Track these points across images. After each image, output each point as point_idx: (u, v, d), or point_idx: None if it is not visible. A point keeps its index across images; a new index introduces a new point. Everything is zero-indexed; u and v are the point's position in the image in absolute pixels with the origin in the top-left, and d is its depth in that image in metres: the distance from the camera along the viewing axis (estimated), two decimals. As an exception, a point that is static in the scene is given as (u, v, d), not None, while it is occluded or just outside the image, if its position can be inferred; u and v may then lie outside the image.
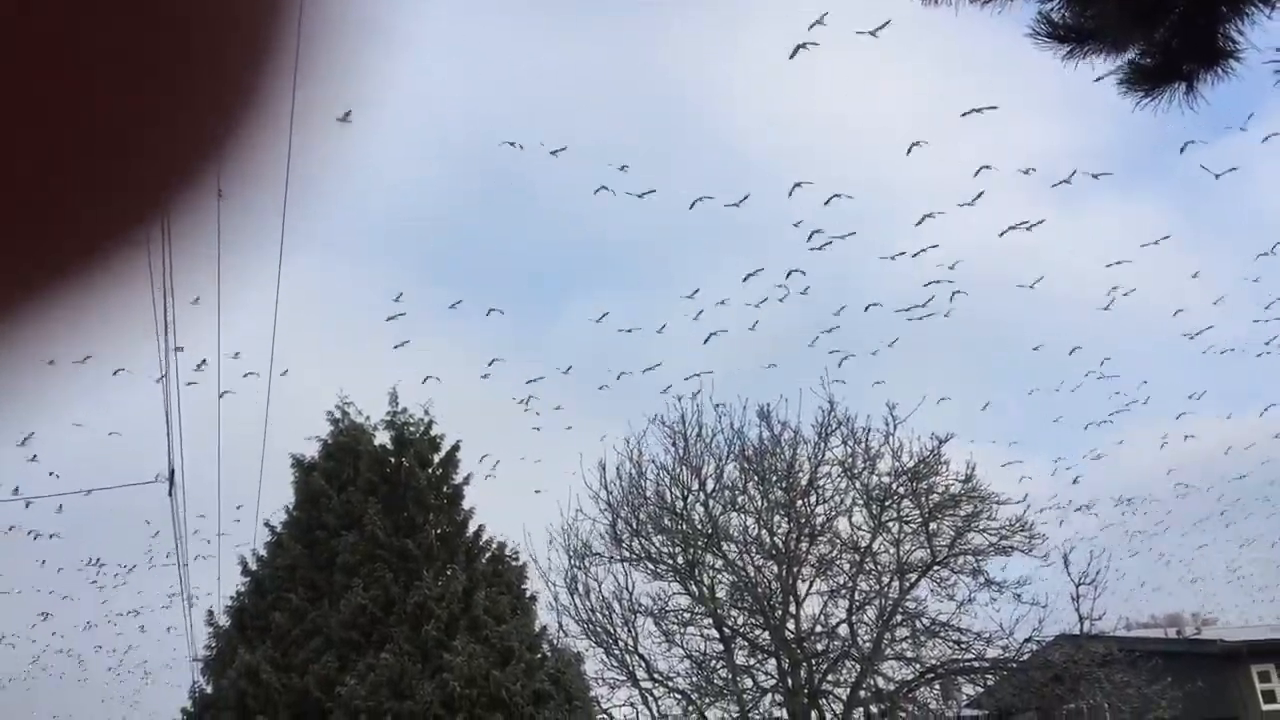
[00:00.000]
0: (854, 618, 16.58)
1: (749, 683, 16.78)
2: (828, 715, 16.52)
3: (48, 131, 0.60)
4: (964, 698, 18.90)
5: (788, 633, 16.65)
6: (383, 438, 23.67)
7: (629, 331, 21.35)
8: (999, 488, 17.11)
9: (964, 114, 16.54)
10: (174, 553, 22.10)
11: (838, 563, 17.11)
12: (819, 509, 17.16)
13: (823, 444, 17.33)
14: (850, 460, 17.27)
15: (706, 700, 16.69)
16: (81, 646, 35.37)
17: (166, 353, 12.76)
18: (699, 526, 17.09)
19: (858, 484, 17.19)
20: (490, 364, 23.14)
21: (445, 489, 23.68)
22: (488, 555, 23.44)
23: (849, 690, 16.44)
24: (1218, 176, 16.59)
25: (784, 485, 17.23)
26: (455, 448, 23.90)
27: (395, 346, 23.36)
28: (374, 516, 21.84)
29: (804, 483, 17.18)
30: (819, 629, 16.91)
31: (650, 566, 17.24)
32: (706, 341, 20.07)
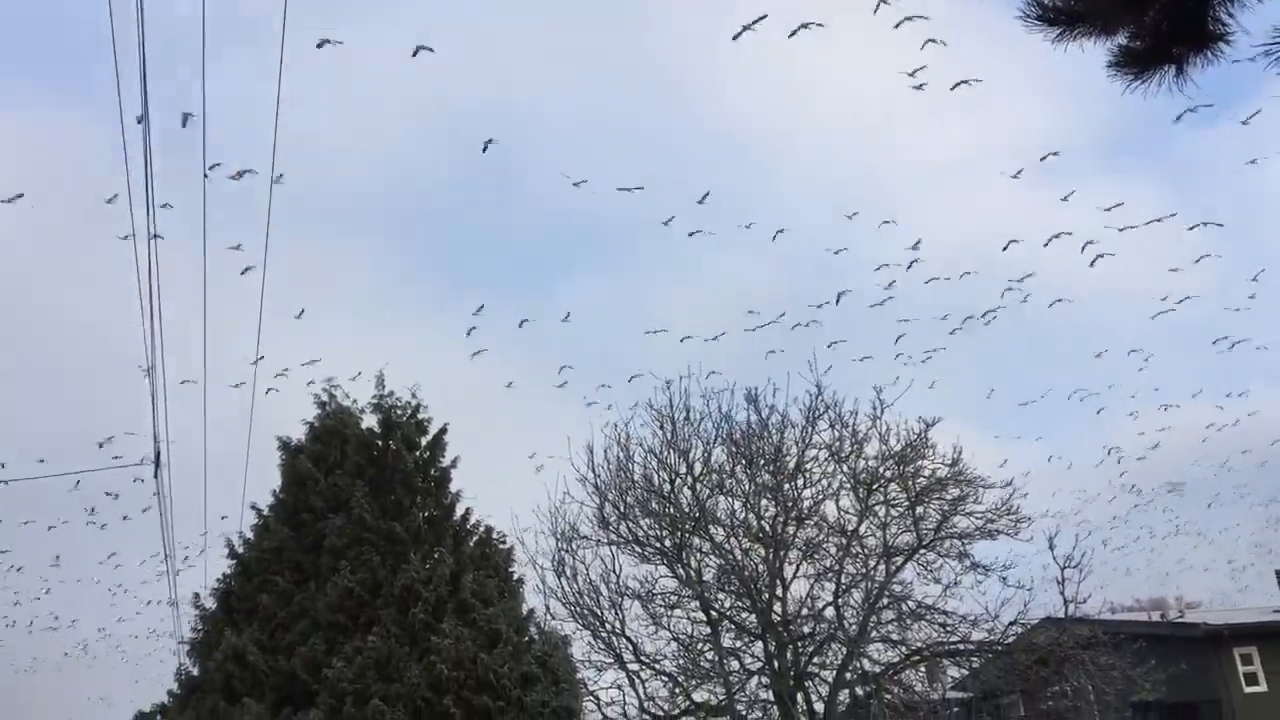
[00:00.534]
0: (840, 601, 16.62)
1: (735, 665, 16.83)
2: (813, 697, 16.59)
3: None
4: (949, 680, 18.99)
5: (774, 615, 16.69)
6: (370, 421, 23.65)
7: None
8: (984, 471, 17.16)
9: (953, 86, 16.61)
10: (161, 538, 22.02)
11: (824, 546, 17.15)
12: (806, 492, 17.20)
13: (810, 428, 17.36)
14: (838, 444, 17.29)
15: (693, 682, 16.74)
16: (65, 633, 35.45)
17: (152, 336, 12.71)
18: (686, 510, 17.11)
19: (845, 468, 17.22)
20: (474, 355, 23.10)
21: (433, 472, 23.69)
22: (475, 538, 23.48)
23: (835, 672, 16.50)
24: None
25: (771, 469, 17.25)
26: (443, 431, 23.91)
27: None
28: (361, 499, 21.83)
29: (791, 466, 17.20)
30: (805, 612, 16.95)
31: (637, 549, 17.26)
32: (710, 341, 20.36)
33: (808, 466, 17.23)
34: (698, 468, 17.39)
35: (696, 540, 17.16)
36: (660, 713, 16.73)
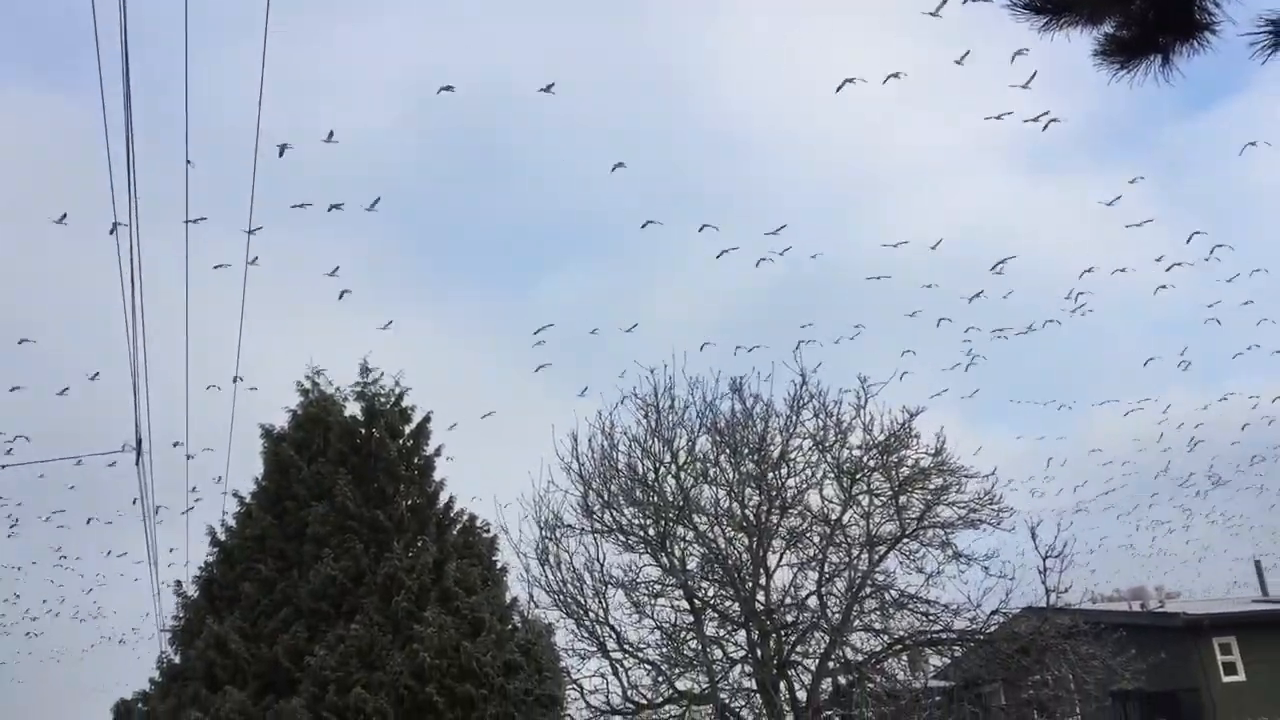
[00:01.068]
0: (823, 590, 16.67)
1: (719, 653, 16.86)
2: (796, 686, 16.64)
3: None
4: (931, 669, 19.08)
5: (758, 604, 16.72)
6: (353, 409, 23.55)
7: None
8: (967, 461, 17.22)
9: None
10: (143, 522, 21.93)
11: (808, 535, 17.19)
12: (790, 482, 17.22)
13: (794, 417, 17.38)
14: (821, 433, 17.33)
15: (676, 671, 16.77)
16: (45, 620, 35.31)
17: (132, 319, 12.62)
18: (670, 499, 17.11)
19: (829, 457, 17.26)
20: (466, 346, 23.06)
21: (416, 460, 23.62)
22: (459, 527, 23.43)
23: (818, 661, 16.56)
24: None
25: (755, 458, 17.26)
26: (426, 419, 23.83)
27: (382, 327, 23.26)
28: (344, 487, 21.75)
29: (775, 455, 17.22)
30: (789, 601, 17.00)
31: (621, 538, 17.26)
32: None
33: (792, 455, 17.27)
34: (682, 456, 17.42)
35: (680, 529, 17.17)
36: (643, 701, 16.76)
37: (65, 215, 16.85)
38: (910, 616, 16.69)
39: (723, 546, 16.99)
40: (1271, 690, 27.04)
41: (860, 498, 16.91)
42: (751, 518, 16.92)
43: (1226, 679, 27.87)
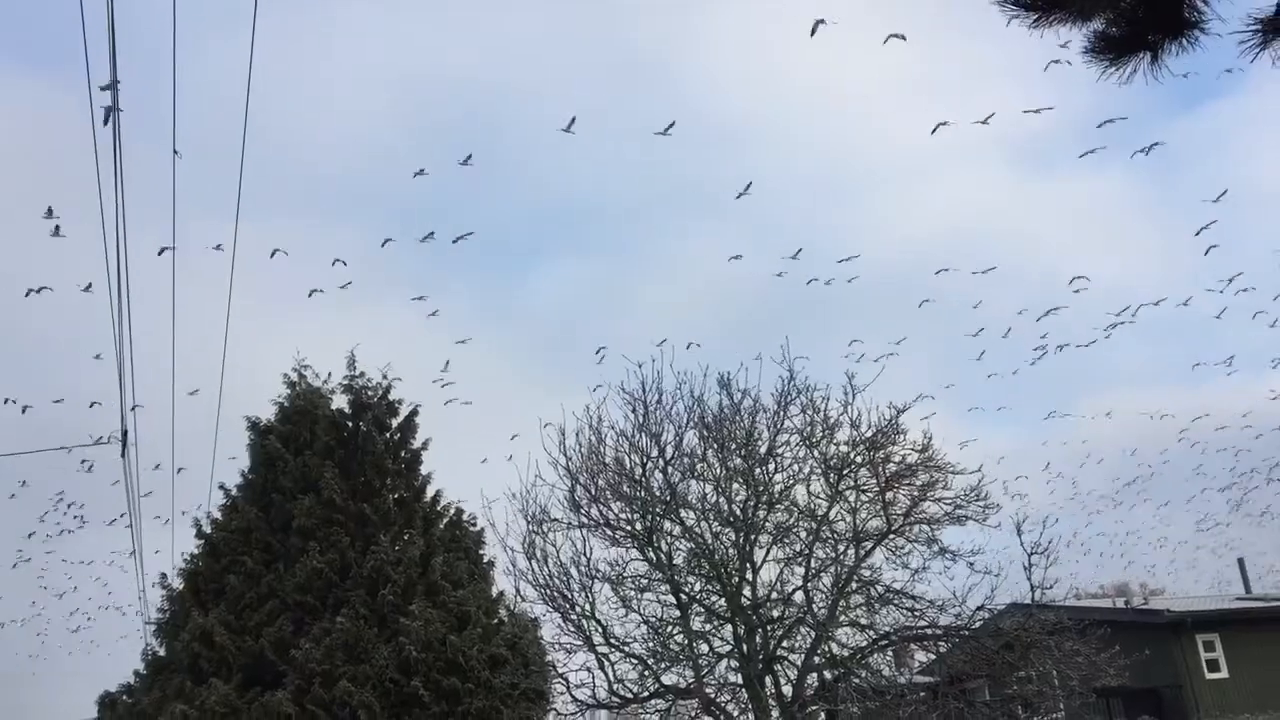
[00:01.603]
0: (810, 585, 16.70)
1: (705, 648, 16.88)
2: (782, 680, 16.67)
3: None
4: (916, 664, 19.15)
5: (744, 599, 16.75)
6: (340, 401, 23.49)
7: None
8: (954, 457, 17.28)
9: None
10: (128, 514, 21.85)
11: (795, 530, 17.21)
12: (777, 477, 17.24)
13: (782, 412, 17.40)
14: (809, 429, 17.34)
15: (663, 665, 16.79)
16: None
17: (119, 305, 12.57)
18: (657, 493, 17.12)
19: (816, 453, 17.28)
20: (459, 342, 23.07)
21: (403, 454, 23.58)
22: (445, 520, 23.40)
23: (803, 656, 16.60)
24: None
25: (743, 453, 17.28)
26: (414, 412, 23.78)
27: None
28: (331, 480, 21.70)
29: (763, 451, 17.24)
30: (775, 596, 17.03)
31: (608, 532, 17.26)
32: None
33: (779, 451, 17.29)
34: (669, 451, 17.41)
35: (667, 524, 17.19)
36: (629, 695, 16.77)
37: (58, 228, 16.83)
38: (896, 612, 16.75)
39: (709, 541, 17.00)
40: (1254, 687, 27.23)
41: (847, 493, 16.95)
42: (738, 513, 16.94)
43: (1210, 676, 28.05)
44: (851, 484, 16.99)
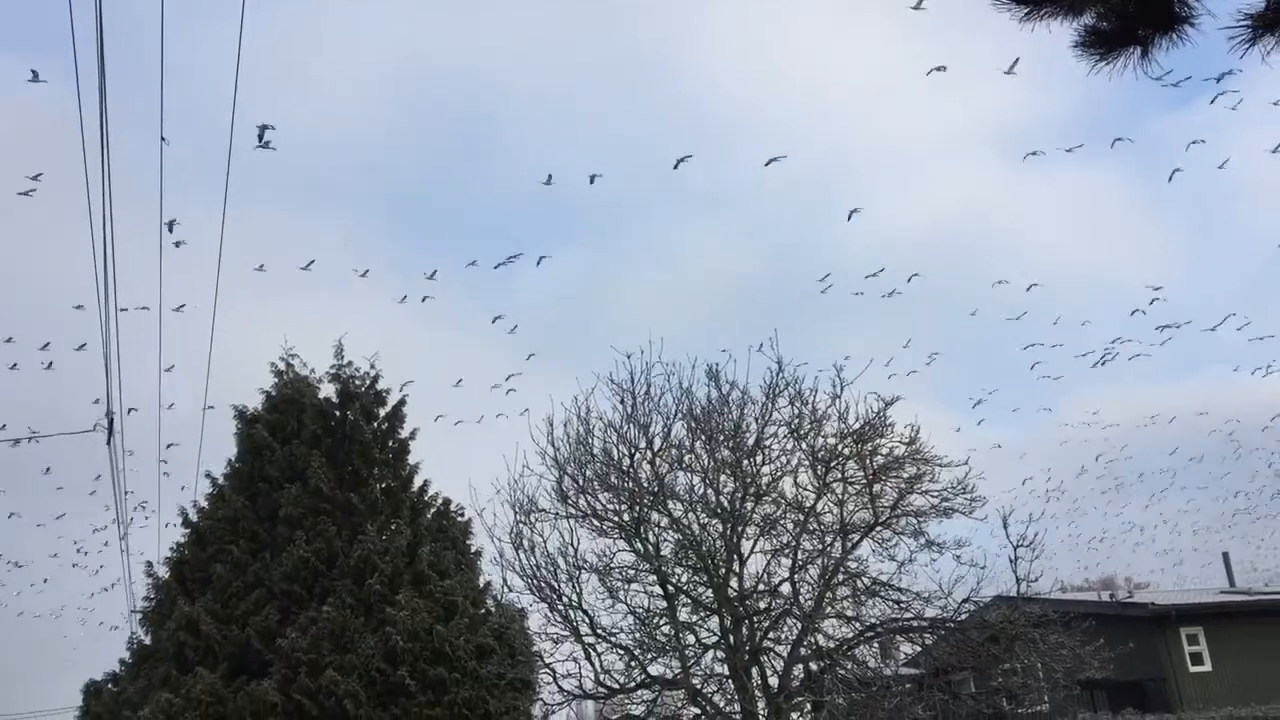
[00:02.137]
0: (796, 577, 16.72)
1: (691, 639, 16.89)
2: (768, 671, 16.70)
3: None
4: (902, 656, 19.19)
5: (731, 590, 16.77)
6: (328, 390, 23.45)
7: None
8: (942, 450, 17.27)
9: (927, 72, 16.72)
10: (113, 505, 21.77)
11: (782, 522, 17.22)
12: (765, 469, 17.24)
13: (770, 404, 17.40)
14: (797, 421, 17.35)
15: (649, 656, 16.79)
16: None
17: (106, 297, 12.50)
18: (645, 484, 17.11)
19: (804, 445, 17.29)
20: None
21: (391, 443, 23.55)
22: (433, 510, 23.39)
23: (790, 648, 16.62)
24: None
25: (731, 445, 17.28)
26: (401, 402, 23.76)
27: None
28: (318, 469, 21.66)
29: (751, 443, 17.24)
30: (762, 587, 17.04)
31: (596, 523, 17.24)
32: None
33: (767, 443, 17.29)
34: (657, 442, 17.40)
35: (655, 515, 17.18)
36: (616, 685, 16.79)
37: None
38: (882, 604, 16.78)
39: (697, 532, 17.01)
40: (1237, 680, 27.37)
41: (834, 485, 16.96)
42: (726, 504, 16.95)
43: (1193, 669, 28.18)
44: (839, 476, 17.00)
